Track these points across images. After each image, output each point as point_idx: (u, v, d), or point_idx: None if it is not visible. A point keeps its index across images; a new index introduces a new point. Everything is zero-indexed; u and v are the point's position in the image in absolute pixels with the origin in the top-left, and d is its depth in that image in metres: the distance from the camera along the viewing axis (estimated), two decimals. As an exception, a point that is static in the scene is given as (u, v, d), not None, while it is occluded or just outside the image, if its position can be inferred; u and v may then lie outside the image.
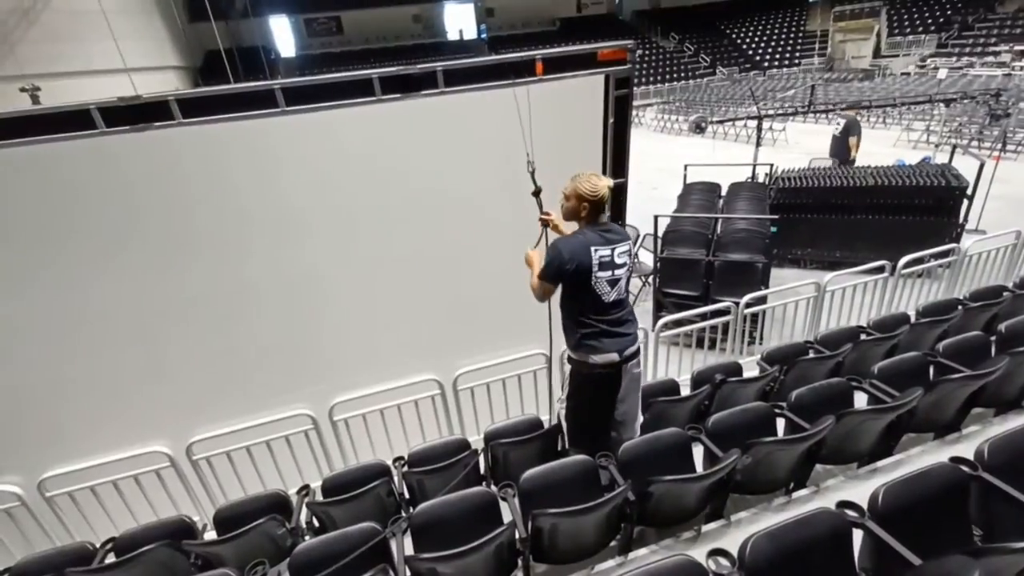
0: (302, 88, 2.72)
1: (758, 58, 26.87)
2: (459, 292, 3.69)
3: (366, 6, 25.85)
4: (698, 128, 11.10)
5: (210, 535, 2.99)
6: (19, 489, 3.25)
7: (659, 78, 26.33)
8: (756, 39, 27.82)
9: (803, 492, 2.63)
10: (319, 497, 2.96)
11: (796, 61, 26.10)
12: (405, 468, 3.09)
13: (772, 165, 7.76)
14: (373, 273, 3.46)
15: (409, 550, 2.29)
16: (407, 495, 3.02)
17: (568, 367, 2.79)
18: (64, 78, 17.22)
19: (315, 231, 3.21)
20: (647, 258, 7.05)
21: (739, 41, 28.05)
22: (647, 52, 27.76)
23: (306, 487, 3.09)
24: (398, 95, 2.84)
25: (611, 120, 3.27)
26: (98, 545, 2.84)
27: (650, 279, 6.92)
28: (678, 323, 4.74)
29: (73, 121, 2.45)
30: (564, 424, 2.93)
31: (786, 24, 28.02)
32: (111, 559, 2.71)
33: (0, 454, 3.35)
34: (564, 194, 2.61)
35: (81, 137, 2.46)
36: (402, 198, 3.27)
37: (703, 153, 13.13)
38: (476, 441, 3.34)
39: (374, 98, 2.81)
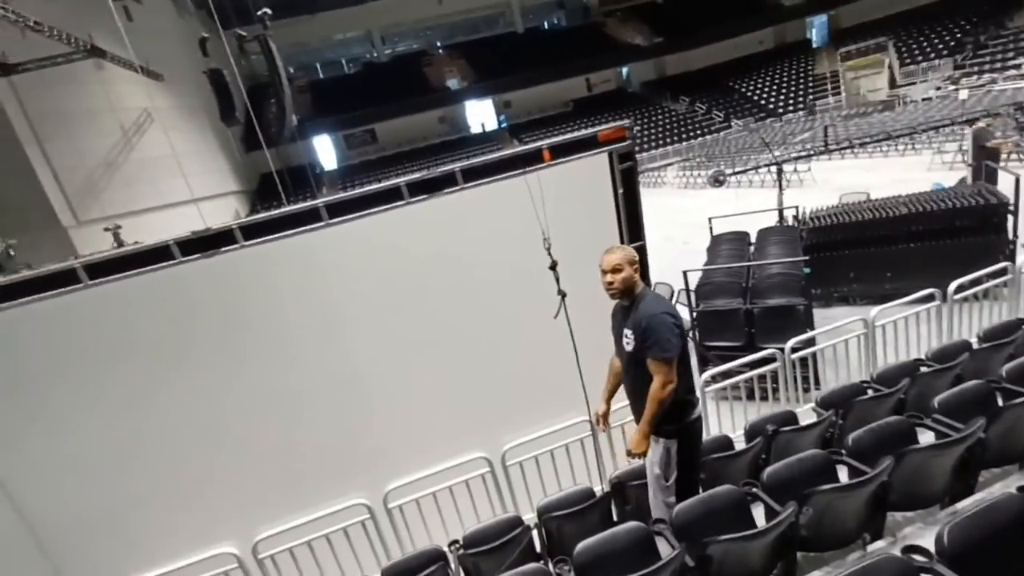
0: (342, 202, 3.13)
1: (771, 106, 27.47)
2: (497, 369, 3.82)
3: (396, 116, 28.58)
4: (716, 182, 11.33)
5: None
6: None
7: (676, 138, 27.20)
8: (766, 90, 28.60)
9: (879, 544, 2.45)
10: (379, 588, 2.97)
11: (812, 104, 26.49)
12: (460, 551, 3.08)
13: (797, 207, 7.77)
14: (415, 361, 3.67)
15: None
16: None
17: (670, 445, 2.63)
18: (141, 215, 19.67)
19: (359, 327, 3.49)
20: (684, 313, 7.01)
21: (749, 94, 28.90)
22: (660, 116, 28.96)
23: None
24: (424, 196, 3.20)
25: (620, 191, 3.51)
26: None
27: (689, 334, 6.84)
28: (725, 375, 4.65)
29: (156, 256, 2.91)
30: (672, 510, 2.63)
31: (794, 71, 28.80)
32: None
33: (88, 571, 3.57)
34: (616, 267, 2.57)
35: (162, 268, 2.92)
36: (437, 287, 3.54)
37: (728, 204, 13.22)
38: (530, 518, 3.31)
39: (403, 202, 3.18)
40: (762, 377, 4.62)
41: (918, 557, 1.66)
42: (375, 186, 3.17)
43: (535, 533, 3.13)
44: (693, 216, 13.67)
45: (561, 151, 3.33)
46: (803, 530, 2.36)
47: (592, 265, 3.75)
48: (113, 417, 3.27)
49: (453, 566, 3.03)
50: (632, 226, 3.61)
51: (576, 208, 3.53)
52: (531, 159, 3.27)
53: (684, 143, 26.21)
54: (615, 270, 2.60)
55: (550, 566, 2.59)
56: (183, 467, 3.51)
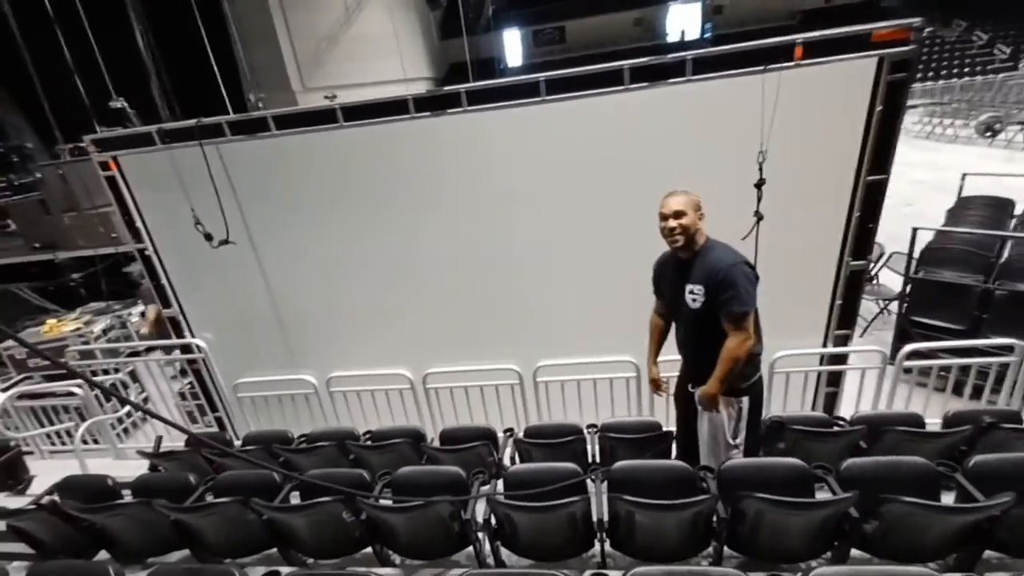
0: (562, 79, 3.11)
1: (1096, 45, 19.97)
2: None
3: (591, 14, 26.84)
4: (989, 131, 8.81)
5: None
6: (315, 381, 4.41)
7: (933, 74, 21.57)
8: (1097, 20, 20.68)
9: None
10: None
11: None
12: (515, 437, 3.28)
13: (1108, 180, 5.82)
14: (593, 252, 3.74)
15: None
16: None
17: (742, 403, 2.53)
18: (353, 88, 22.02)
19: (557, 209, 3.64)
20: (890, 280, 6.01)
21: (1065, 24, 21.22)
22: (918, 44, 22.94)
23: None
24: (645, 84, 3.02)
25: (879, 108, 2.92)
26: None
27: (891, 305, 5.90)
28: (927, 356, 3.95)
29: (393, 108, 3.31)
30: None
31: None
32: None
33: (307, 354, 4.59)
34: (678, 211, 2.36)
35: (399, 120, 3.33)
36: (633, 184, 3.45)
37: (986, 166, 10.47)
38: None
39: (622, 87, 3.05)
40: (983, 373, 3.84)
41: None
42: (597, 66, 3.08)
43: (590, 445, 3.15)
44: (928, 174, 11.18)
45: (818, 49, 2.83)
46: (868, 528, 2.02)
47: (806, 192, 3.33)
48: (343, 235, 4.02)
49: (500, 447, 3.25)
50: (879, 155, 3.02)
51: (810, 121, 3.07)
52: (778, 54, 2.84)
53: (941, 82, 20.69)
54: (677, 215, 2.34)
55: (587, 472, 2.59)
56: (381, 295, 4.22)
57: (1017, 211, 5.80)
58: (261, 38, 19.91)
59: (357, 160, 3.80)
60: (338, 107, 3.36)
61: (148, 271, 4.35)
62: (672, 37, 27.71)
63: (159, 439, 3.83)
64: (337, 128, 3.42)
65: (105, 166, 3.93)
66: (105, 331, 6.27)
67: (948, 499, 2.32)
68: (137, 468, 3.51)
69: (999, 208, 5.85)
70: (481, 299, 4.08)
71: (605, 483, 2.53)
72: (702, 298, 2.41)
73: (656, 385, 2.89)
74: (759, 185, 3.07)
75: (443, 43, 27.05)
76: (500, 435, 3.48)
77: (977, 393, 3.96)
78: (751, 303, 2.33)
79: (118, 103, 8.30)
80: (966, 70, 21.40)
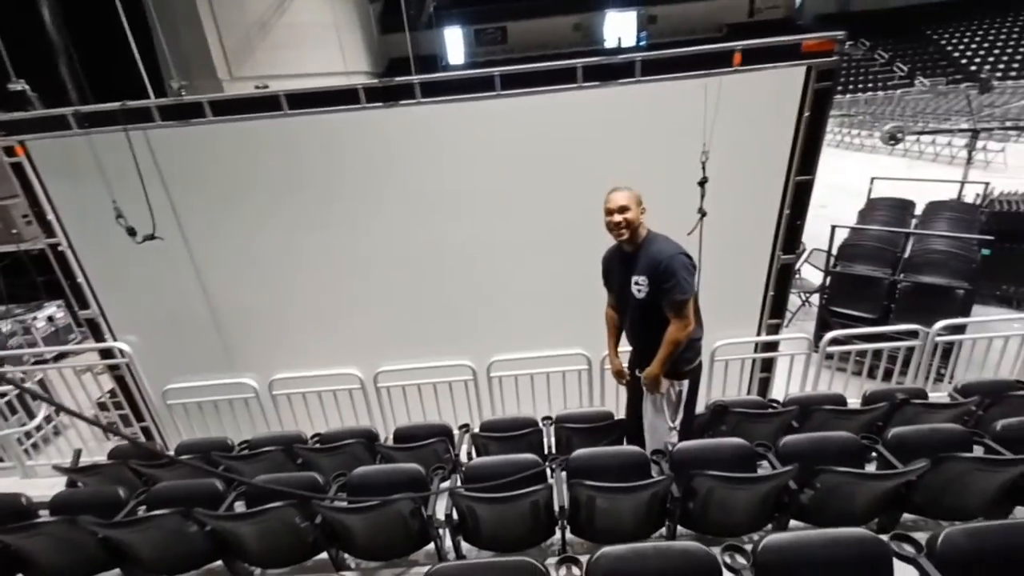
0: (518, 75, 3.13)
1: (973, 68, 22.72)
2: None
3: (532, 16, 27.21)
4: (892, 139, 9.80)
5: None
6: (256, 384, 4.17)
7: (841, 88, 23.67)
8: (974, 46, 23.54)
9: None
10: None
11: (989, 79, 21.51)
12: (472, 431, 3.30)
13: (987, 184, 6.65)
14: (545, 247, 3.79)
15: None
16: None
17: (682, 387, 2.66)
18: (286, 79, 20.92)
19: (508, 204, 3.64)
20: (811, 274, 6.53)
21: (950, 48, 24.00)
22: (828, 60, 25.08)
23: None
24: (597, 83, 3.11)
25: (807, 114, 3.17)
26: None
27: (810, 298, 6.41)
28: (844, 343, 4.34)
29: (342, 97, 3.18)
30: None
31: (1017, 27, 23.27)
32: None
33: (246, 356, 4.33)
34: (623, 207, 2.47)
35: (347, 110, 3.21)
36: (581, 181, 3.53)
37: (892, 171, 11.63)
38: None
39: (575, 85, 3.12)
40: (892, 357, 4.27)
41: (906, 546, 1.57)
42: (551, 63, 3.13)
43: (546, 437, 3.24)
44: (839, 179, 12.22)
45: (754, 56, 3.04)
46: (805, 498, 2.22)
47: (743, 190, 3.55)
48: (286, 229, 3.84)
49: (457, 443, 3.24)
50: (806, 157, 3.29)
51: (748, 124, 3.28)
52: (719, 60, 3.02)
53: (849, 95, 22.76)
54: (622, 210, 2.47)
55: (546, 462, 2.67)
56: (327, 292, 4.05)
57: (917, 211, 6.50)
58: (184, 20, 18.42)
59: (301, 151, 3.63)
60: (282, 94, 3.20)
61: (62, 269, 3.93)
62: (609, 43, 28.61)
63: (77, 452, 3.47)
64: (281, 116, 3.26)
65: (11, 151, 3.51)
66: (8, 336, 5.62)
67: (871, 469, 2.57)
68: (51, 486, 3.17)
69: (903, 209, 6.53)
70: (433, 295, 4.03)
71: (564, 472, 2.58)
72: (646, 288, 2.52)
73: (620, 375, 2.96)
74: (702, 183, 3.26)
75: (383, 37, 26.39)
76: (456, 431, 3.46)
77: (887, 375, 4.40)
78: (690, 291, 2.46)
79: (18, 85, 7.41)
80: (870, 85, 23.66)
